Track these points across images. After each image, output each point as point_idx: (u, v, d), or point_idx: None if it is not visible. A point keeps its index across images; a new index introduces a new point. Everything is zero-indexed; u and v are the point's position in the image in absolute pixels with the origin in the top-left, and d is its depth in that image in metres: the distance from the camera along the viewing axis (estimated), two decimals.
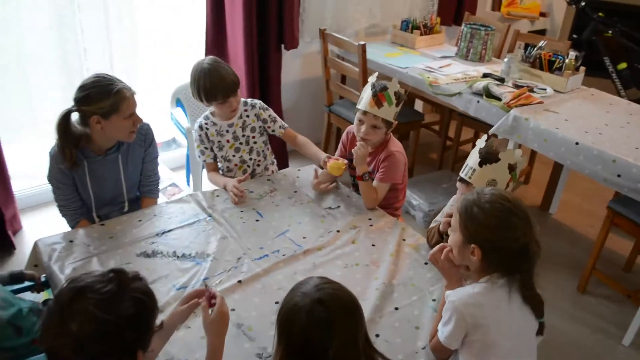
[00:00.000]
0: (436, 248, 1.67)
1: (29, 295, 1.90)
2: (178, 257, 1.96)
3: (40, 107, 3.16)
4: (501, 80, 3.18)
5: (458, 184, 1.89)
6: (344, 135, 2.54)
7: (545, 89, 3.10)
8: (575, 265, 3.05)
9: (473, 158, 1.82)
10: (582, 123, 2.77)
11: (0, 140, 2.81)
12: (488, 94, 3.02)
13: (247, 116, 2.51)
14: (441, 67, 3.50)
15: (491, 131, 2.92)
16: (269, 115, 2.55)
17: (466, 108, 3.13)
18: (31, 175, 3.25)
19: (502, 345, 1.45)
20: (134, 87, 2.12)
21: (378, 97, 2.22)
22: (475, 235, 1.47)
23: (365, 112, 2.27)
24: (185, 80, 3.37)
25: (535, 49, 3.31)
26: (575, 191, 3.78)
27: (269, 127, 2.56)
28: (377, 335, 1.66)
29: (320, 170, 2.45)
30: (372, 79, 2.30)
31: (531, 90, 3.06)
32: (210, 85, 2.31)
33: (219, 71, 2.32)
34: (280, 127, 2.56)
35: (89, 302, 1.09)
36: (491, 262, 1.47)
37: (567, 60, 3.16)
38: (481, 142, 1.82)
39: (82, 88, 2.02)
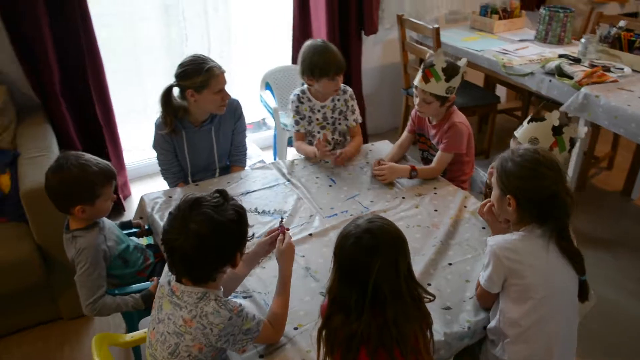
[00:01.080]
0: (482, 203, 1.84)
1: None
2: (259, 212, 2.24)
3: (148, 89, 3.57)
4: (577, 60, 3.18)
5: (511, 141, 2.02)
6: (413, 112, 2.70)
7: (622, 69, 3.09)
8: None
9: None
10: None
11: (115, 118, 3.24)
12: (560, 73, 3.05)
13: (338, 100, 2.70)
14: (517, 49, 3.54)
15: (562, 109, 2.93)
16: (352, 106, 2.73)
17: (538, 87, 3.17)
18: (140, 149, 3.68)
19: (539, 291, 1.57)
20: (228, 71, 2.40)
21: (425, 73, 2.38)
22: (509, 186, 1.62)
23: (417, 87, 2.44)
24: (273, 65, 3.67)
25: (615, 29, 3.29)
26: None
27: (345, 115, 2.75)
28: (429, 284, 1.83)
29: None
30: (427, 56, 2.44)
31: (607, 69, 3.05)
32: (324, 61, 2.52)
33: (331, 49, 2.55)
34: (354, 120, 2.74)
35: (204, 207, 1.41)
36: (525, 212, 1.61)
37: None
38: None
39: (181, 65, 2.36)
